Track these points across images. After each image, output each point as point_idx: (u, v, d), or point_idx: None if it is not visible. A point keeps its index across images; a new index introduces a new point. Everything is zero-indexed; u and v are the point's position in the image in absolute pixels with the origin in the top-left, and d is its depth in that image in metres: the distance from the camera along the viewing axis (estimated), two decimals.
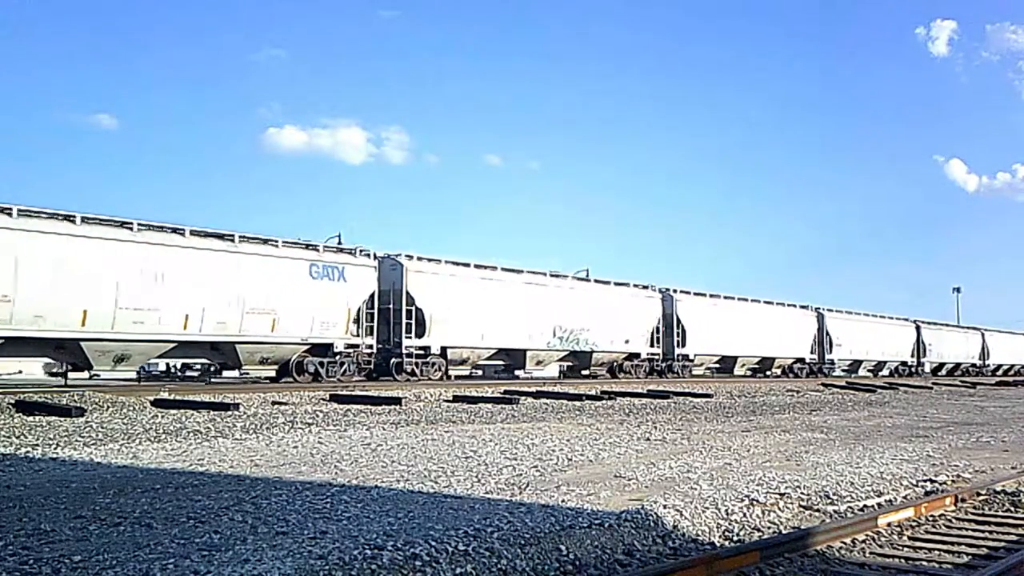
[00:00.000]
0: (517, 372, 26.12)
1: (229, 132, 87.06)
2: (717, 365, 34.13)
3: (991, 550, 5.99)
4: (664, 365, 30.24)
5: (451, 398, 17.74)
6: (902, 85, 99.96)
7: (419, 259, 22.93)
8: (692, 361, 31.43)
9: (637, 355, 29.30)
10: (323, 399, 16.33)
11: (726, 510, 6.61)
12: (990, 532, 6.59)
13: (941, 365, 48.33)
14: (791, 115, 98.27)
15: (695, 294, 32.45)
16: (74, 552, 4.62)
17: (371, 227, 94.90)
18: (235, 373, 20.64)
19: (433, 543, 4.97)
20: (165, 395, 15.00)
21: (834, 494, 7.65)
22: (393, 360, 21.83)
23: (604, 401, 18.73)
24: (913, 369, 44.78)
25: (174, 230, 17.96)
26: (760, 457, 9.82)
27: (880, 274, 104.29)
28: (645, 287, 30.24)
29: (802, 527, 6.45)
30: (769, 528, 6.45)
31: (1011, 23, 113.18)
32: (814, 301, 38.60)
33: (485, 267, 24.72)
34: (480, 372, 26.02)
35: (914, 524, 6.78)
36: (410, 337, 21.89)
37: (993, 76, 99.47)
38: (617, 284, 29.18)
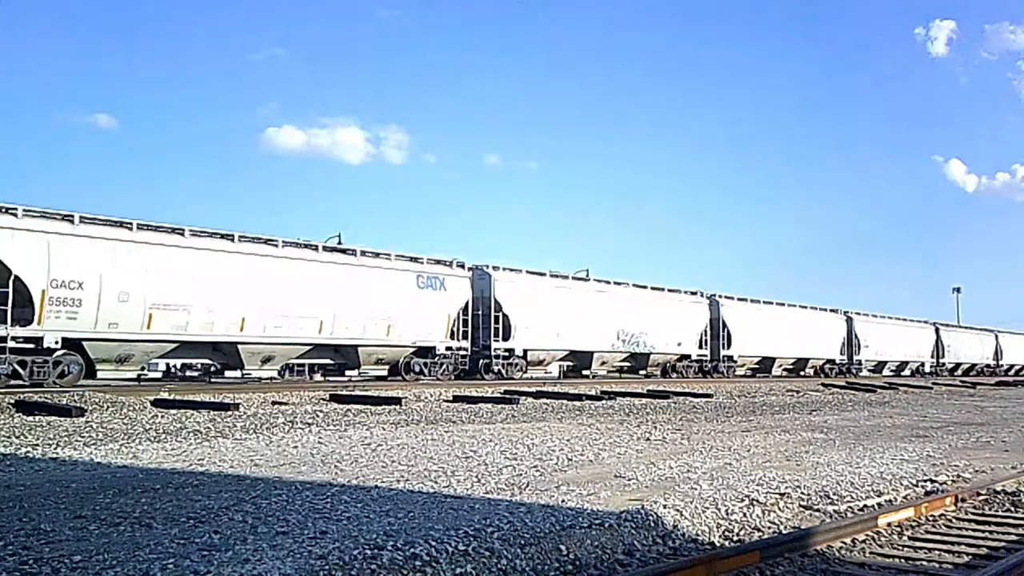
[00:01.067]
0: (584, 372, 28.19)
1: (228, 131, 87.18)
2: (757, 366, 36.01)
3: (991, 550, 5.99)
4: (711, 366, 32.37)
5: (451, 398, 17.75)
6: (901, 85, 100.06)
7: (505, 269, 25.40)
8: (736, 362, 33.57)
9: (688, 356, 31.69)
10: (323, 399, 16.34)
11: (726, 510, 6.61)
12: (990, 532, 6.59)
13: (958, 365, 50.23)
14: (790, 115, 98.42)
15: (738, 299, 34.56)
16: (74, 552, 4.62)
17: (371, 227, 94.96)
18: (354, 372, 22.46)
19: (433, 543, 4.97)
20: (165, 395, 15.00)
21: (834, 494, 7.65)
22: (482, 361, 24.16)
23: (604, 401, 18.73)
24: (934, 369, 46.93)
25: (307, 246, 20.55)
26: (760, 457, 9.82)
27: (880, 274, 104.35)
28: (694, 293, 32.63)
29: (802, 527, 6.45)
30: (769, 528, 6.45)
31: (1010, 23, 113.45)
32: (813, 301, 39.86)
33: (558, 276, 27.30)
34: (553, 372, 27.89)
35: (914, 524, 6.78)
36: (497, 340, 24.32)
37: (992, 76, 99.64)
38: (670, 291, 31.66)
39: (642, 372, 30.57)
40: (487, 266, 24.80)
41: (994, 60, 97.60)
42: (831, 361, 39.12)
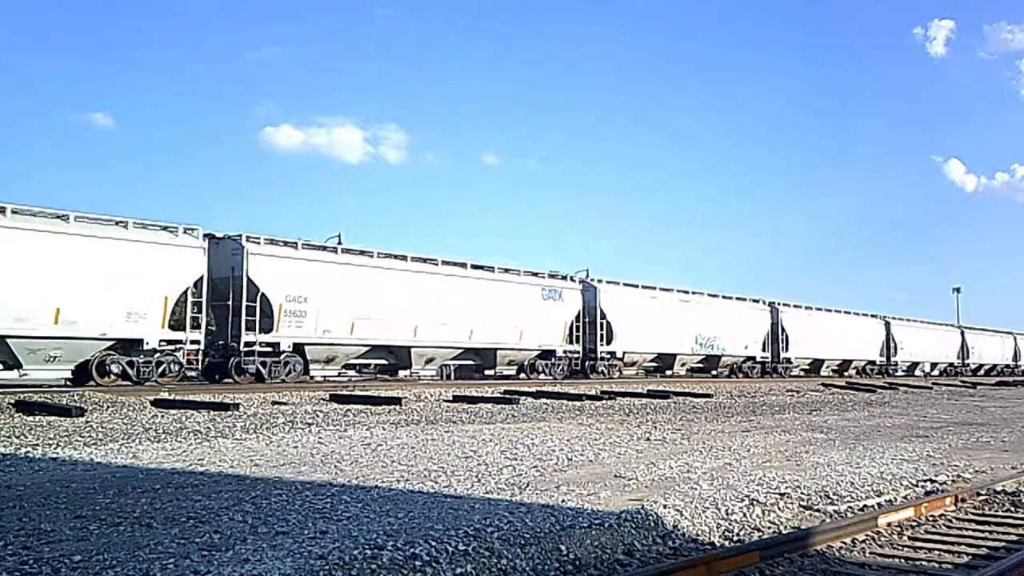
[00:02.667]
0: (667, 372, 31.66)
1: (226, 131, 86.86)
2: (808, 367, 39.08)
3: (991, 550, 5.99)
4: (771, 367, 35.54)
5: (451, 398, 17.74)
6: (900, 85, 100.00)
7: (607, 282, 28.94)
8: (792, 363, 36.89)
9: (753, 358, 34.97)
10: (323, 399, 16.34)
11: (726, 510, 6.61)
12: (990, 532, 6.60)
13: (981, 366, 53.20)
14: (789, 115, 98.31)
15: (794, 306, 37.92)
16: (74, 552, 4.62)
17: (370, 227, 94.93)
18: (491, 372, 25.64)
19: (433, 543, 4.97)
20: (165, 395, 15.00)
21: (834, 494, 7.65)
22: (588, 362, 27.68)
23: (604, 401, 18.72)
24: (958, 369, 50.08)
25: (458, 264, 23.79)
26: (760, 457, 9.82)
27: (879, 274, 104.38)
28: (756, 301, 36.02)
29: (802, 527, 6.45)
30: (769, 528, 6.46)
31: (1008, 23, 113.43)
32: (811, 301, 40.89)
33: (649, 287, 30.74)
34: (641, 372, 31.42)
35: (914, 524, 6.79)
36: (603, 344, 27.98)
37: (991, 76, 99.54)
38: (738, 299, 34.99)
39: (713, 372, 33.66)
40: (594, 279, 28.41)
41: (993, 60, 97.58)
42: (872, 362, 42.53)
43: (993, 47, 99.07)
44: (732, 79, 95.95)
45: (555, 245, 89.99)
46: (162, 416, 12.85)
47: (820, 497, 7.51)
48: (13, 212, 15.77)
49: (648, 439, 11.53)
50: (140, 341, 17.30)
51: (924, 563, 5.65)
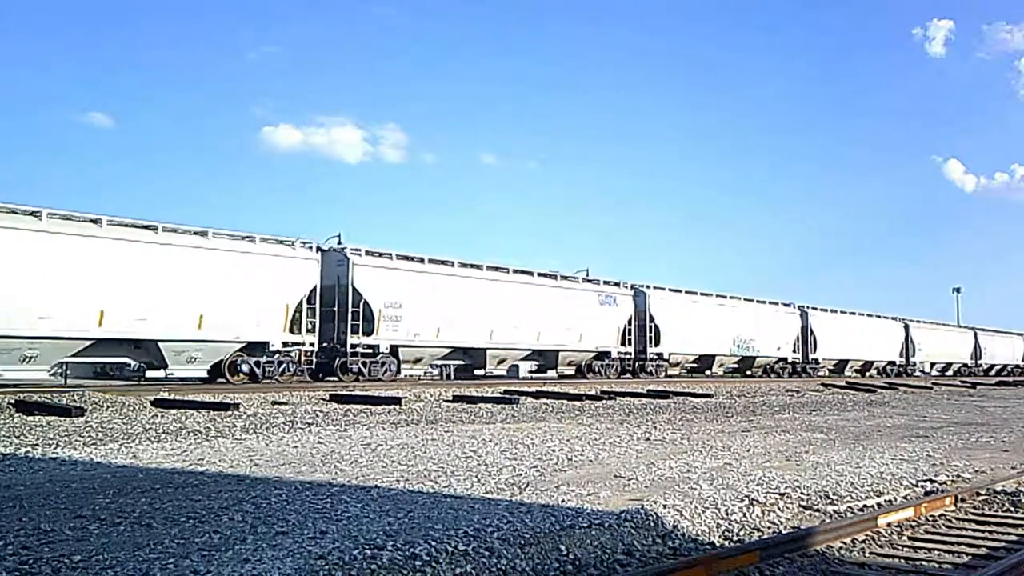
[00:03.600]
0: (706, 372, 33.78)
1: (224, 130, 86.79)
2: (834, 368, 40.67)
3: (991, 550, 5.99)
4: (801, 367, 37.40)
5: (451, 398, 17.74)
6: (899, 85, 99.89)
7: (655, 288, 31.06)
8: (820, 364, 38.76)
9: (784, 359, 36.78)
10: (323, 399, 16.34)
11: (726, 510, 6.62)
12: (990, 532, 6.60)
13: (992, 366, 55.06)
14: (789, 115, 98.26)
15: (822, 309, 39.87)
16: (74, 552, 4.62)
17: (369, 226, 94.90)
18: (552, 372, 27.48)
19: (433, 543, 4.97)
20: (165, 395, 15.01)
21: (834, 494, 7.65)
22: (638, 363, 29.71)
23: (604, 401, 18.73)
24: (971, 369, 51.99)
25: (524, 272, 26.02)
26: (760, 457, 9.83)
27: (878, 274, 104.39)
28: (787, 305, 38.21)
29: (802, 527, 6.45)
30: (769, 528, 6.46)
31: (1006, 22, 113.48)
32: (812, 300, 41.65)
33: (692, 292, 32.87)
34: (684, 372, 33.47)
35: (914, 524, 6.79)
36: (651, 346, 29.91)
37: (990, 76, 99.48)
38: (770, 303, 37.32)
39: (748, 373, 35.76)
40: (644, 286, 30.43)
41: (991, 60, 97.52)
42: (892, 363, 44.31)
43: (992, 47, 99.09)
44: (731, 79, 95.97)
45: (555, 245, 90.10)
46: (162, 416, 12.84)
47: (820, 497, 7.51)
48: (163, 230, 17.65)
49: (648, 439, 11.53)
50: (266, 344, 19.32)
51: (924, 563, 5.65)
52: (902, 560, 5.71)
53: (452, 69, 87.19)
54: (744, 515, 6.60)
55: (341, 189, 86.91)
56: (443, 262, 23.69)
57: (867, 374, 41.86)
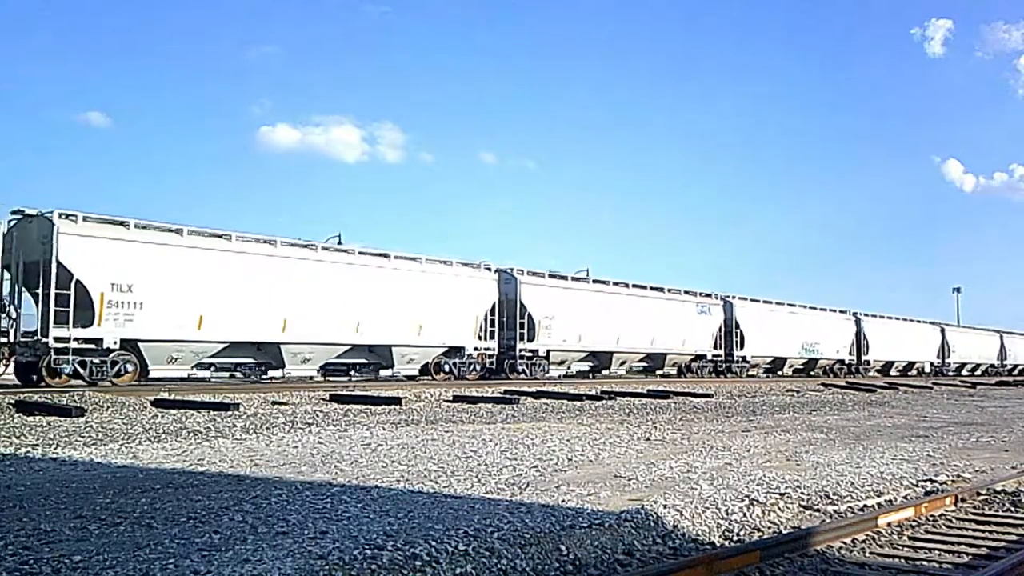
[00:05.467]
0: (779, 372, 38.11)
1: (222, 130, 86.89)
2: (880, 370, 44.53)
3: (991, 550, 5.99)
4: (855, 367, 41.84)
5: (451, 398, 17.74)
6: (898, 85, 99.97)
7: (739, 298, 35.59)
8: (870, 365, 43.36)
9: (842, 360, 41.37)
10: (323, 399, 16.34)
11: (726, 510, 6.61)
12: (990, 532, 6.59)
13: (1016, 366, 58.56)
14: (787, 115, 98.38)
15: (873, 315, 44.48)
16: (74, 552, 4.62)
17: (367, 226, 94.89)
18: (660, 372, 32.38)
19: (433, 543, 4.97)
20: (165, 395, 15.01)
21: (834, 494, 7.65)
22: (726, 364, 34.49)
23: (604, 401, 18.72)
24: (998, 370, 55.38)
25: (637, 286, 30.73)
26: (760, 457, 9.82)
27: (877, 274, 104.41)
28: (843, 312, 42.56)
29: (802, 527, 6.45)
30: (769, 528, 6.45)
31: (1004, 22, 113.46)
32: (810, 301, 43.24)
33: (770, 302, 38.12)
34: (760, 372, 37.48)
35: (914, 524, 6.78)
36: (737, 349, 34.81)
37: (988, 76, 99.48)
38: (830, 311, 41.70)
39: (812, 373, 39.34)
40: (731, 296, 35.25)
41: (990, 60, 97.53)
42: (932, 363, 49.10)
43: (990, 47, 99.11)
44: (730, 79, 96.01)
45: (554, 244, 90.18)
46: (162, 416, 12.84)
47: (820, 497, 7.51)
48: (395, 257, 22.76)
49: (648, 439, 11.53)
50: (462, 348, 24.18)
51: (924, 563, 5.65)
52: (902, 560, 5.71)
53: (450, 68, 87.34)
54: (744, 515, 6.60)
55: (339, 189, 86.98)
56: (579, 279, 28.44)
57: (909, 373, 46.20)
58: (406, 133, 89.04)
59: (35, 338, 16.51)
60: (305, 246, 21.06)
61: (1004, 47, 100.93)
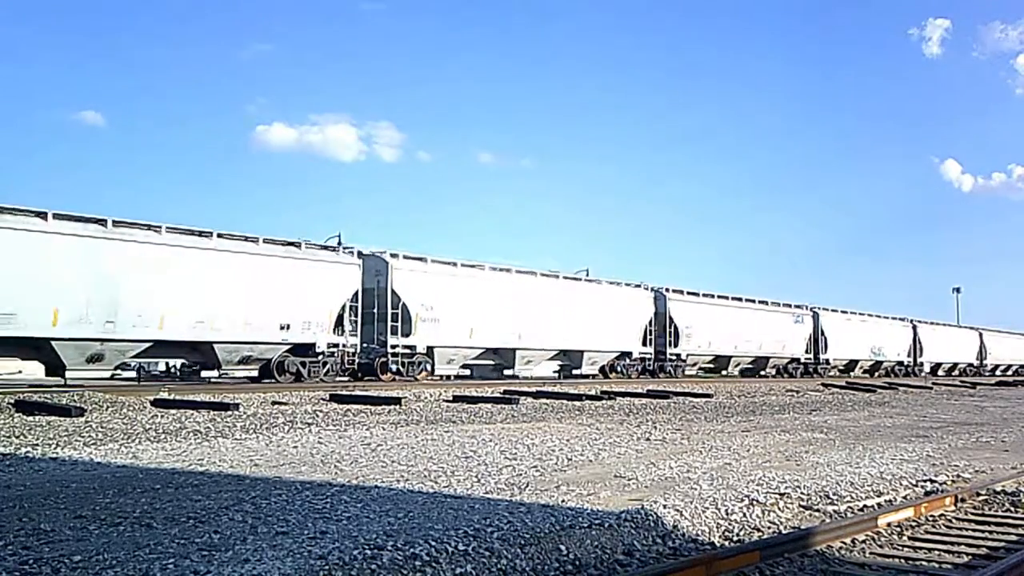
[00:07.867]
0: (851, 373, 41.85)
1: (218, 129, 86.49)
2: (930, 370, 48.25)
3: (991, 550, 5.99)
4: (911, 369, 46.37)
5: (451, 398, 17.74)
6: (896, 85, 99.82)
7: (823, 308, 40.52)
8: (924, 366, 47.69)
9: (901, 362, 46.26)
10: (323, 399, 16.33)
11: (726, 510, 6.62)
12: (990, 532, 6.60)
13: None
14: (786, 115, 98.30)
15: (929, 323, 49.86)
16: (74, 552, 4.62)
17: (366, 226, 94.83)
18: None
19: (433, 543, 4.97)
20: (165, 395, 15.00)
21: (834, 494, 7.65)
22: (812, 366, 38.94)
23: (604, 401, 18.72)
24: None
25: (750, 299, 35.87)
26: (760, 457, 9.83)
27: (877, 274, 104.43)
28: (901, 319, 47.49)
29: (802, 527, 6.45)
30: (769, 528, 6.46)
31: (1001, 22, 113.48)
32: (809, 301, 43.61)
33: (844, 311, 42.80)
34: (836, 373, 41.16)
35: (914, 524, 6.79)
36: (823, 353, 39.47)
37: (986, 76, 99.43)
38: (893, 318, 46.66)
39: (876, 373, 43.46)
40: (817, 307, 40.02)
41: (987, 60, 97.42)
42: (970, 364, 53.10)
43: (987, 47, 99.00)
44: (729, 79, 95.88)
45: (553, 244, 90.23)
46: (162, 416, 12.84)
47: (820, 497, 7.51)
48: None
49: (648, 439, 11.53)
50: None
51: (924, 563, 5.65)
52: (902, 560, 5.71)
53: (447, 67, 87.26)
54: (744, 515, 6.60)
55: (336, 188, 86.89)
56: (722, 296, 34.57)
57: (952, 373, 50.12)
58: (403, 132, 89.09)
59: (371, 345, 21.78)
60: (529, 273, 26.36)
61: (1001, 47, 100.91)
